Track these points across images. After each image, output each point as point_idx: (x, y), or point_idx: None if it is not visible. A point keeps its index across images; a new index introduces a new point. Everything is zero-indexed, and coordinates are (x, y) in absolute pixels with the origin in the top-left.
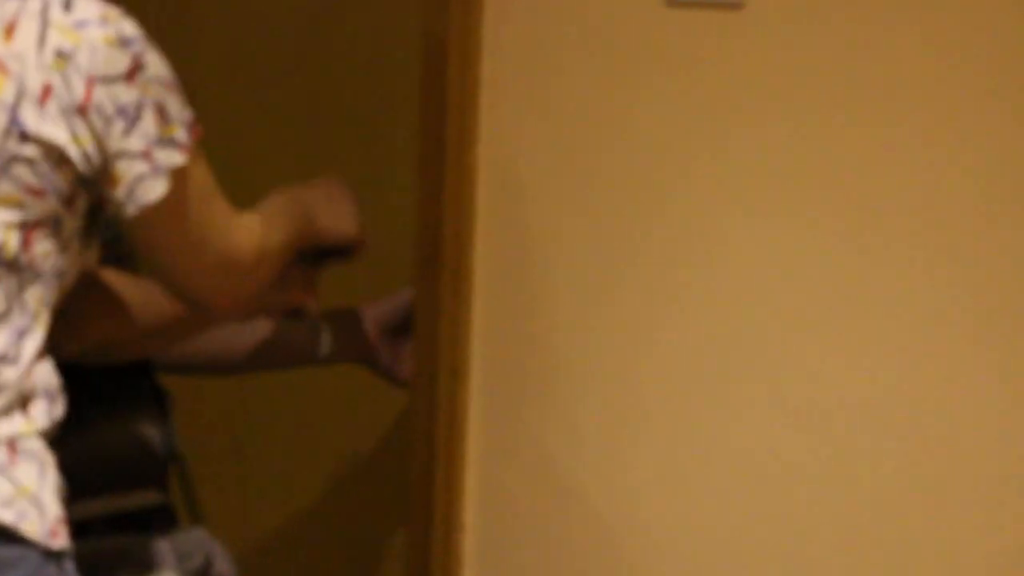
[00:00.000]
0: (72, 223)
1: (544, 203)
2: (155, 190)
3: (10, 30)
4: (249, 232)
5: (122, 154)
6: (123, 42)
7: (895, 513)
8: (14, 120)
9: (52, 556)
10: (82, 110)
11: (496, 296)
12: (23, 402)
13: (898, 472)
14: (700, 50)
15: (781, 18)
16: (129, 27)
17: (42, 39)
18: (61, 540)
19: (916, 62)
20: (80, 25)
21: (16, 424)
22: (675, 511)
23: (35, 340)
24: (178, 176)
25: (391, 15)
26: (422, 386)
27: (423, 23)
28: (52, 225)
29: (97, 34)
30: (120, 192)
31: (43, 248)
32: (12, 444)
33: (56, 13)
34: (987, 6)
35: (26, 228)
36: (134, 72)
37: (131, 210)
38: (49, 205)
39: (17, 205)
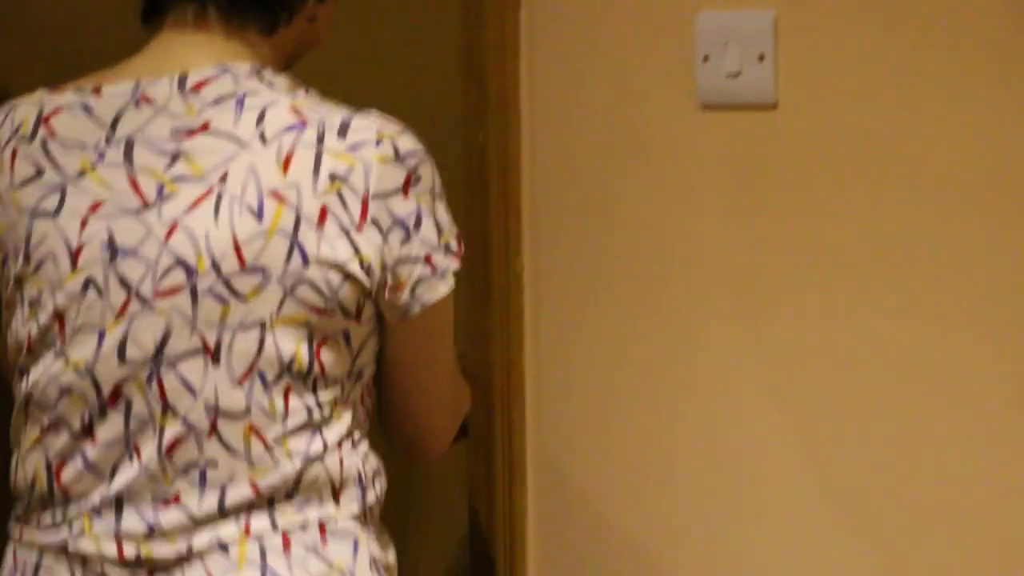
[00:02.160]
0: (361, 331)
1: (580, 291)
2: (438, 290)
3: (287, 162)
4: (465, 394)
5: (404, 260)
6: (398, 158)
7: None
8: (295, 246)
9: None
10: (361, 227)
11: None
12: (333, 491)
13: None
14: (734, 151)
15: (814, 116)
16: (405, 142)
17: (317, 166)
18: None
19: (949, 156)
20: (354, 147)
21: (328, 510)
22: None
23: (335, 435)
24: (453, 284)
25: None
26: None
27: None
28: (342, 337)
29: (371, 154)
30: (404, 295)
31: (333, 358)
32: (323, 527)
33: (331, 140)
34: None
35: (315, 343)
36: (408, 185)
37: (415, 309)
38: (337, 322)
39: (305, 324)
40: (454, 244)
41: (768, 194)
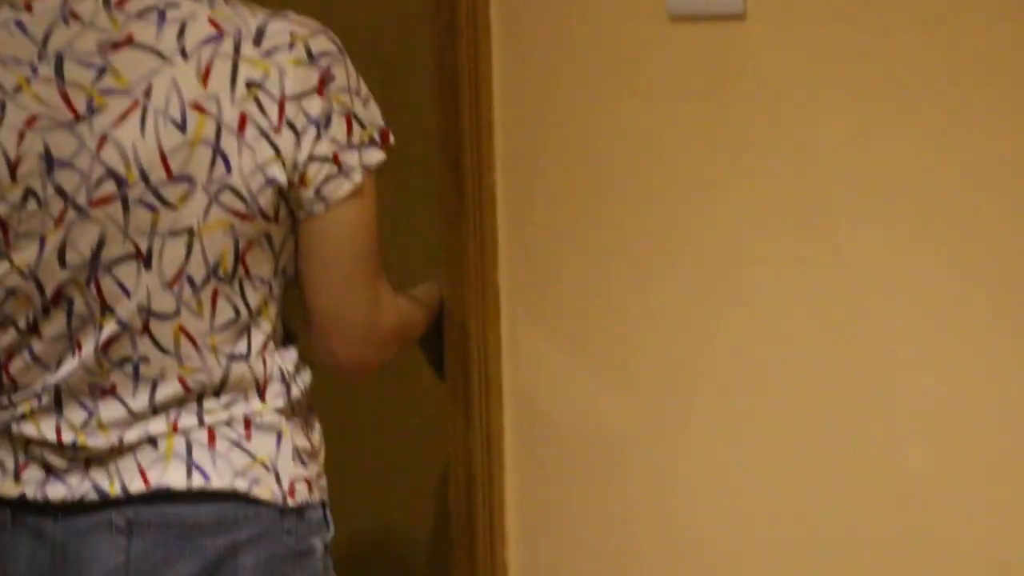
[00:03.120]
0: (280, 231)
1: (557, 208)
2: (343, 188)
3: (206, 74)
4: (395, 306)
5: (312, 159)
6: (312, 59)
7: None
8: (218, 154)
9: (290, 513)
10: (279, 128)
11: (523, 313)
12: (258, 386)
13: (921, 463)
14: (703, 63)
15: (782, 26)
16: (318, 43)
17: (234, 75)
18: (299, 496)
19: (918, 66)
20: (269, 53)
21: (252, 405)
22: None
23: (261, 335)
24: (364, 183)
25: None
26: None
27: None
28: (265, 239)
29: (285, 58)
30: (310, 193)
31: (257, 260)
32: (247, 422)
33: (247, 48)
34: (990, 11)
35: (239, 247)
36: (322, 84)
37: (319, 209)
38: (258, 225)
39: (230, 229)
40: (376, 137)
41: (739, 105)
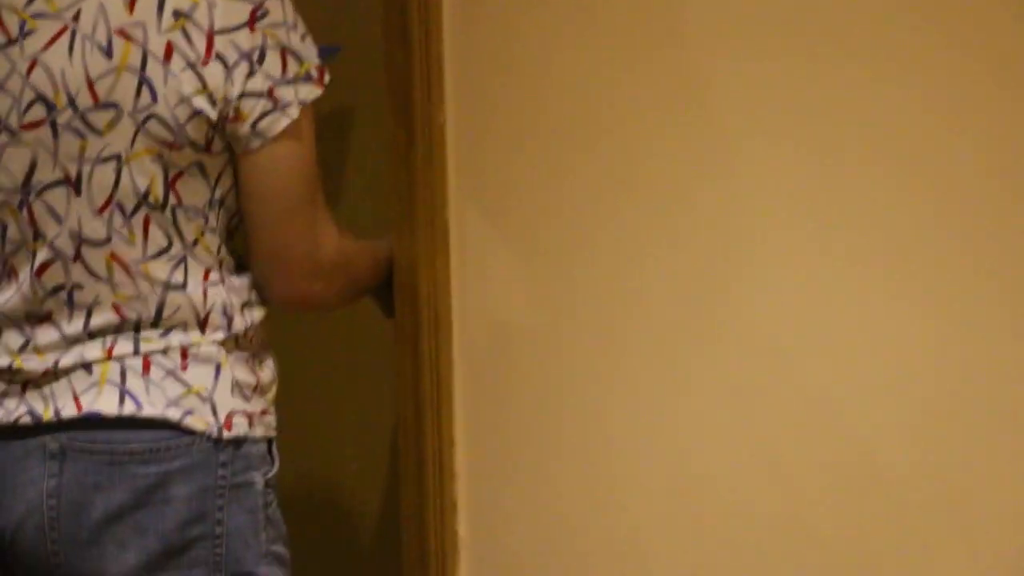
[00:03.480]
0: (216, 162)
1: (513, 158)
2: (279, 123)
3: (133, 2)
4: (335, 241)
5: (247, 94)
6: None
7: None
8: (143, 82)
9: (226, 445)
10: (206, 61)
11: (472, 249)
12: (197, 317)
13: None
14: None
15: None
16: None
17: (161, 4)
18: (236, 429)
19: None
20: None
21: (192, 334)
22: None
23: (200, 266)
24: (300, 120)
25: None
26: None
27: None
28: (197, 169)
29: None
30: (245, 128)
31: (190, 189)
32: (184, 352)
33: None
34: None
35: (168, 176)
36: (254, 19)
37: (256, 144)
38: (187, 155)
39: (157, 157)
40: (313, 73)
41: (690, 44)
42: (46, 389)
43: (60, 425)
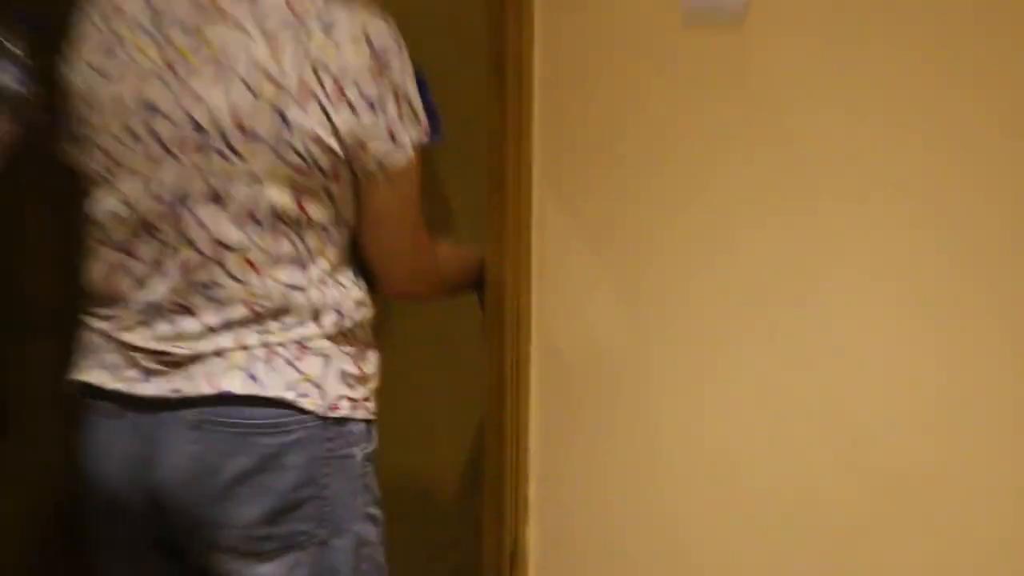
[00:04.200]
0: (340, 188)
1: (589, 182)
2: (398, 160)
3: (279, 50)
4: (430, 253)
5: (371, 135)
6: (372, 48)
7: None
8: (282, 118)
9: (331, 423)
10: (337, 104)
11: (552, 259)
12: (314, 315)
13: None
14: (709, 58)
15: (778, 31)
16: (379, 35)
17: (303, 54)
18: (341, 410)
19: (890, 66)
20: (334, 39)
21: (308, 330)
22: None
23: (318, 271)
24: (412, 159)
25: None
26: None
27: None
28: (323, 192)
29: (348, 44)
30: (371, 163)
31: (317, 209)
32: (301, 345)
33: (317, 33)
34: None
35: (298, 196)
36: (382, 69)
37: (379, 176)
38: (316, 180)
39: (289, 180)
40: (418, 121)
41: (742, 102)
42: (189, 371)
43: (199, 401)
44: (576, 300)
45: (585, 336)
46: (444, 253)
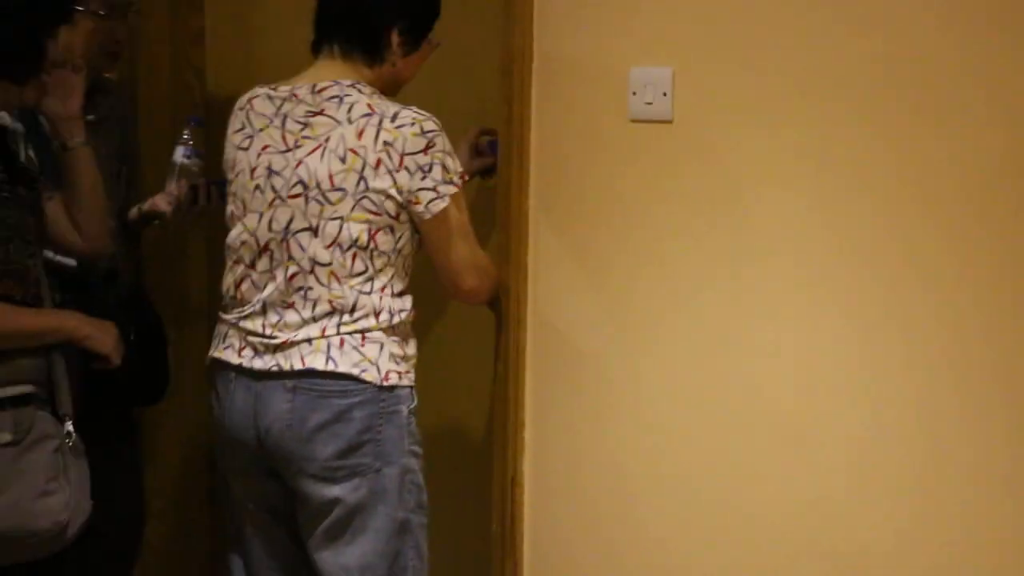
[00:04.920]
0: (401, 227)
1: (575, 204)
2: (439, 206)
3: (361, 134)
4: (479, 263)
5: (422, 189)
6: (423, 133)
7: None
8: (362, 178)
9: (384, 389)
10: (398, 170)
11: (544, 264)
12: (375, 313)
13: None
14: (651, 148)
15: (704, 130)
16: (428, 125)
17: (377, 136)
18: (391, 380)
19: (794, 158)
20: (399, 127)
21: (369, 323)
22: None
23: (380, 283)
24: (451, 202)
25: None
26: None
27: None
28: (388, 229)
29: (408, 131)
30: (421, 208)
31: (384, 240)
32: (363, 335)
33: (386, 122)
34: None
35: (371, 231)
36: (428, 148)
37: (427, 216)
38: (385, 220)
39: (366, 220)
40: (455, 180)
41: (672, 177)
42: (286, 352)
43: (292, 374)
44: (559, 299)
45: (565, 325)
46: (489, 265)
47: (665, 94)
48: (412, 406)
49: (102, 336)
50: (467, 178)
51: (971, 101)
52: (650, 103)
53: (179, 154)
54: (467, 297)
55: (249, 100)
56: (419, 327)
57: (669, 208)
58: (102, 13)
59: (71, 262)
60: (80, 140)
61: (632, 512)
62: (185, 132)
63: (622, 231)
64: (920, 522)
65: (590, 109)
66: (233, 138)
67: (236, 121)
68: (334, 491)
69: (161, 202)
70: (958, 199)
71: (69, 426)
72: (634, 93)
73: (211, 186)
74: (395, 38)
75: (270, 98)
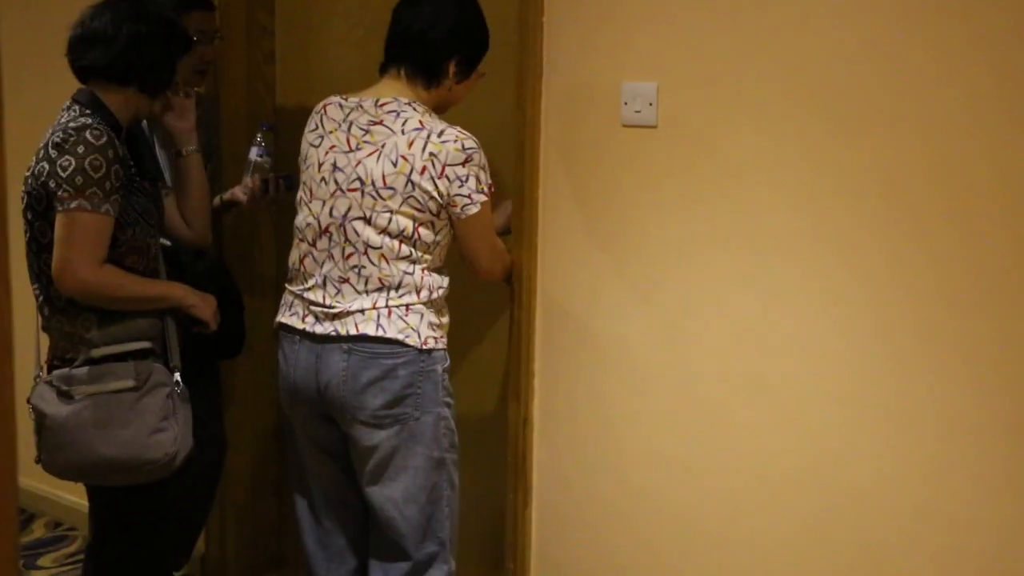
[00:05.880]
0: (440, 222)
1: (580, 192)
2: (472, 210)
3: (411, 144)
4: (498, 251)
5: (459, 195)
6: (463, 149)
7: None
8: (409, 180)
9: (423, 352)
10: (440, 177)
11: (551, 243)
12: (417, 290)
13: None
14: (640, 149)
15: (683, 134)
16: (468, 142)
17: (424, 147)
18: (429, 345)
19: (772, 161)
20: (443, 142)
21: (412, 298)
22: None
23: (422, 266)
24: (482, 207)
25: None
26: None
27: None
28: (429, 224)
29: (451, 146)
30: (458, 210)
31: (425, 233)
32: (407, 307)
33: (433, 137)
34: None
35: (415, 224)
36: (466, 161)
37: (462, 217)
38: (427, 216)
39: (411, 215)
40: (486, 190)
41: (656, 177)
42: (343, 320)
43: (347, 338)
44: (563, 273)
45: (567, 295)
46: (505, 251)
47: (651, 104)
48: (446, 365)
49: (204, 306)
50: (494, 190)
51: (947, 105)
52: (639, 111)
53: (253, 153)
54: (486, 276)
55: (324, 106)
56: (450, 300)
57: (654, 198)
58: (196, 39)
59: (167, 242)
60: (193, 148)
61: (617, 448)
62: (258, 135)
63: (617, 216)
64: (925, 521)
65: (589, 116)
66: (308, 136)
67: (311, 122)
68: (380, 435)
69: (238, 192)
70: (933, 200)
71: (177, 376)
72: (625, 103)
73: (279, 180)
74: (452, 68)
75: (341, 106)
